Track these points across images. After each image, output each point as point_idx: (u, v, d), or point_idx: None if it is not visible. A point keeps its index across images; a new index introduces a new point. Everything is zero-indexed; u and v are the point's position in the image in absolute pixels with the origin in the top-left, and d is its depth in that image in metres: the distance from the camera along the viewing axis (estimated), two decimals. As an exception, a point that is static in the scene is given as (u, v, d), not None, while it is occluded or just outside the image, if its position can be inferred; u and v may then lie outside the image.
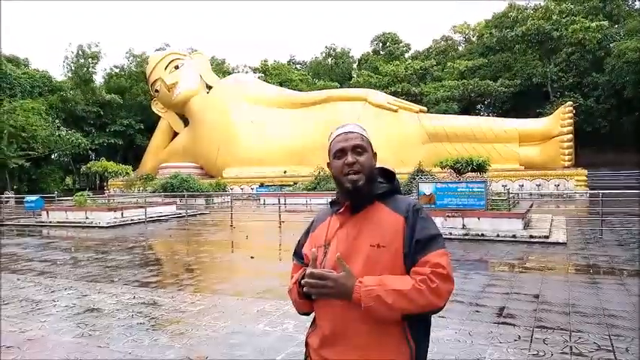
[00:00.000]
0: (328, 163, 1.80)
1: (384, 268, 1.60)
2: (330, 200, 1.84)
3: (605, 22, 37.33)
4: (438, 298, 1.55)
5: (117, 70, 49.08)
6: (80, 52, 43.71)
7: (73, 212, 17.95)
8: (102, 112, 43.31)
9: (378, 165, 1.78)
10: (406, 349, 1.62)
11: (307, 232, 1.88)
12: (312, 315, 1.79)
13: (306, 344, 1.78)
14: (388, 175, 1.82)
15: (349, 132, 1.73)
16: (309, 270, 1.57)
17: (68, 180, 48.04)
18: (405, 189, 18.14)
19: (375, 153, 1.77)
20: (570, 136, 27.98)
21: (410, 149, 30.17)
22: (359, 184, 1.66)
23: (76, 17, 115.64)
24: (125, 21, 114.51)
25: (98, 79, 47.67)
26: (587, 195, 22.67)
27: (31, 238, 14.24)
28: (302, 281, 1.60)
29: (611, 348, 4.20)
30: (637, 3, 46.71)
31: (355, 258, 1.63)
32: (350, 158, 1.67)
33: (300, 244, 1.90)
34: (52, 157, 38.97)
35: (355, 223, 1.69)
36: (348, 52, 59.89)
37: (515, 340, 4.44)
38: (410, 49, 56.99)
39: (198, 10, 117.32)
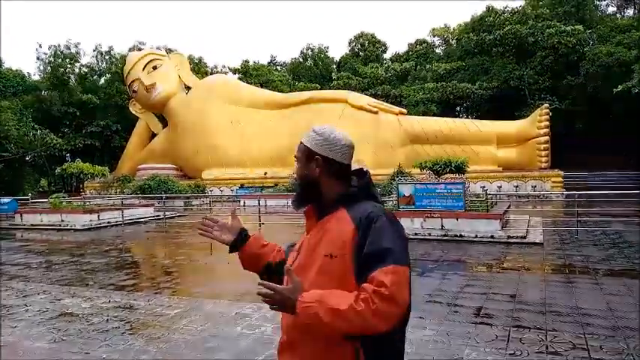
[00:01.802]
0: None
1: (335, 279, 1.53)
2: None
3: (580, 27, 38.08)
4: (378, 321, 1.40)
5: (86, 70, 48.06)
6: (58, 53, 42.87)
7: (48, 215, 17.58)
8: (78, 113, 42.51)
9: (356, 166, 1.76)
10: (352, 356, 1.51)
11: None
12: (264, 327, 1.80)
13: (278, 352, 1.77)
14: (361, 178, 1.76)
15: (300, 142, 1.77)
16: (260, 282, 1.55)
17: (43, 182, 46.96)
18: (384, 190, 18.21)
19: (326, 158, 1.68)
20: (547, 138, 28.43)
21: (390, 151, 30.32)
22: (295, 193, 1.77)
23: (42, 13, 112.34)
24: (94, 17, 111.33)
25: (72, 79, 46.60)
26: (564, 196, 23.06)
27: (3, 241, 13.88)
28: (258, 283, 1.54)
29: (585, 346, 4.27)
30: (609, 9, 47.87)
31: (311, 267, 1.59)
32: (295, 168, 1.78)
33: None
34: (27, 158, 38.09)
35: (318, 230, 1.66)
36: (326, 52, 59.97)
37: (493, 340, 4.48)
38: (387, 48, 57.48)
39: (172, 8, 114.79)
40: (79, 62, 44.85)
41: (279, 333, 1.71)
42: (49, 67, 43.39)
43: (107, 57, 48.49)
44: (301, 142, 1.75)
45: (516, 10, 42.74)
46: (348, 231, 1.55)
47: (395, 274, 1.43)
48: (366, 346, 1.51)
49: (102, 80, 46.77)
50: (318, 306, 1.43)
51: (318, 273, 1.56)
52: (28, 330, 5.13)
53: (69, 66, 43.66)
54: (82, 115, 42.82)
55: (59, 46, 43.23)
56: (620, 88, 30.16)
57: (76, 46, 43.57)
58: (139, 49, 45.16)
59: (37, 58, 43.87)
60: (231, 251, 1.95)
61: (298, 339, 1.58)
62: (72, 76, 45.57)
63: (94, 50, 48.65)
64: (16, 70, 42.95)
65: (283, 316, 1.66)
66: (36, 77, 45.38)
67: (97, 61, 48.84)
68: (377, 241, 1.49)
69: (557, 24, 38.21)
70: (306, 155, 1.72)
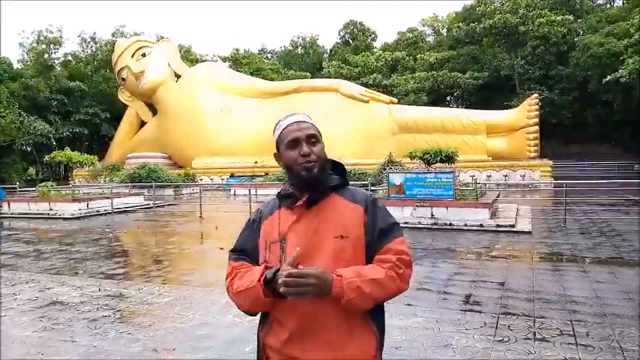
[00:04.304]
0: (276, 154, 1.73)
1: (348, 258, 1.60)
2: (278, 193, 1.76)
3: (570, 17, 38.18)
4: (404, 283, 1.63)
5: (70, 58, 47.31)
6: (42, 38, 42.20)
7: (36, 203, 17.41)
8: (66, 101, 41.96)
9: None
10: (372, 338, 1.63)
11: (251, 227, 1.78)
12: (259, 314, 1.72)
13: (264, 346, 1.68)
14: (338, 166, 1.78)
15: (301, 121, 1.69)
16: (287, 270, 1.46)
17: (31, 170, 46.50)
18: (375, 179, 18.26)
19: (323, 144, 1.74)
20: (536, 127, 28.62)
21: (380, 140, 30.35)
22: (314, 173, 1.63)
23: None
24: (77, 3, 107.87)
25: (56, 65, 45.84)
26: (552, 185, 23.29)
27: (-9, 230, 13.75)
28: (280, 281, 1.46)
29: (572, 333, 4.33)
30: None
31: (319, 252, 1.59)
32: (305, 148, 1.63)
33: (242, 240, 1.79)
34: (14, 146, 37.67)
35: (314, 216, 1.65)
36: (317, 40, 59.73)
37: (482, 327, 4.53)
38: (377, 37, 57.49)
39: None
40: (62, 46, 44.23)
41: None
42: (32, 54, 42.73)
43: (92, 43, 47.80)
44: (312, 123, 1.71)
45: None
46: (358, 211, 1.67)
47: (406, 242, 1.70)
48: (372, 314, 1.65)
49: (88, 67, 46.11)
50: (359, 280, 1.53)
51: (330, 254, 1.59)
52: (18, 319, 5.09)
53: (53, 51, 43.02)
54: (69, 103, 42.32)
55: (42, 31, 42.60)
56: (609, 78, 30.33)
57: (59, 30, 42.94)
58: (122, 35, 44.60)
59: (20, 45, 43.16)
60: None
61: (321, 323, 1.57)
62: (56, 62, 44.89)
63: (79, 36, 47.99)
64: (3, 58, 42.23)
65: (291, 307, 1.57)
66: (19, 65, 44.70)
67: (82, 47, 48.12)
68: (385, 218, 1.70)
69: (548, 13, 38.28)
70: (320, 135, 1.72)
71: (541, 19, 37.49)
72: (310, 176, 1.62)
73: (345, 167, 1.82)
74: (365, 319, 1.62)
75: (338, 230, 1.61)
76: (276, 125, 1.74)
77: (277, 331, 1.63)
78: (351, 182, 1.82)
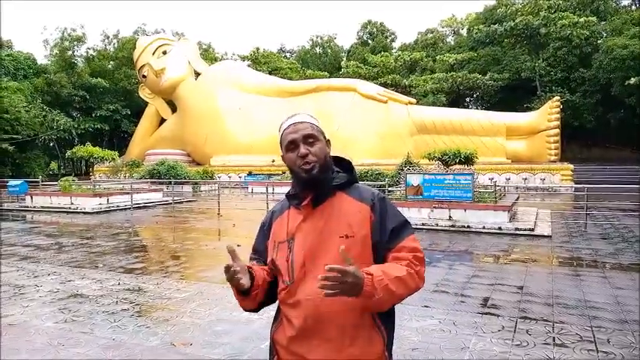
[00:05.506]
0: (282, 156, 1.75)
1: (354, 258, 1.51)
2: (287, 193, 1.78)
3: (594, 18, 37.53)
4: (421, 280, 1.62)
5: (93, 54, 48.04)
6: (66, 35, 42.96)
7: (58, 197, 17.73)
8: (88, 97, 42.64)
9: (333, 154, 1.75)
10: (379, 337, 1.62)
11: (262, 230, 1.83)
12: (274, 311, 1.76)
13: (274, 341, 1.71)
14: (344, 164, 1.77)
15: (298, 122, 1.69)
16: (329, 266, 1.42)
17: (53, 165, 47.32)
18: (392, 180, 18.18)
19: (328, 140, 1.73)
20: (557, 130, 28.17)
21: (398, 141, 30.18)
22: (314, 173, 1.63)
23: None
24: (100, 1, 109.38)
25: (79, 62, 46.59)
26: (573, 189, 22.91)
27: (14, 222, 14.03)
28: (320, 276, 1.40)
29: (592, 339, 4.27)
30: (623, 1, 47.03)
31: (325, 251, 1.60)
32: (302, 149, 1.64)
33: (257, 242, 1.84)
34: (37, 141, 38.42)
35: (320, 215, 1.65)
36: (334, 39, 59.86)
37: (499, 331, 4.49)
38: (396, 37, 57.34)
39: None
40: (84, 43, 44.99)
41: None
42: (56, 50, 43.50)
43: (115, 41, 48.54)
44: (310, 122, 1.70)
45: (529, 0, 42.07)
46: (364, 210, 1.65)
47: (417, 240, 1.69)
48: (380, 313, 1.62)
49: (109, 64, 46.82)
50: (386, 278, 1.51)
51: (334, 254, 1.55)
52: (39, 310, 5.20)
53: (76, 48, 43.78)
54: (91, 99, 43.00)
55: (66, 29, 43.36)
56: (632, 80, 29.72)
57: (82, 27, 43.78)
58: (144, 33, 45.17)
59: (44, 41, 44.12)
60: (246, 294, 1.74)
61: (327, 321, 1.56)
62: (79, 59, 45.65)
63: (102, 34, 48.83)
64: (27, 53, 43.10)
65: (298, 304, 1.60)
66: (45, 60, 45.61)
67: (105, 45, 48.86)
68: (396, 216, 1.68)
69: (570, 15, 37.65)
70: (322, 135, 1.72)
71: (563, 21, 36.87)
72: (310, 177, 1.63)
73: (353, 164, 1.80)
74: (372, 318, 1.61)
75: (343, 229, 1.61)
76: (280, 127, 1.75)
77: (285, 327, 1.66)
78: (368, 182, 1.84)
